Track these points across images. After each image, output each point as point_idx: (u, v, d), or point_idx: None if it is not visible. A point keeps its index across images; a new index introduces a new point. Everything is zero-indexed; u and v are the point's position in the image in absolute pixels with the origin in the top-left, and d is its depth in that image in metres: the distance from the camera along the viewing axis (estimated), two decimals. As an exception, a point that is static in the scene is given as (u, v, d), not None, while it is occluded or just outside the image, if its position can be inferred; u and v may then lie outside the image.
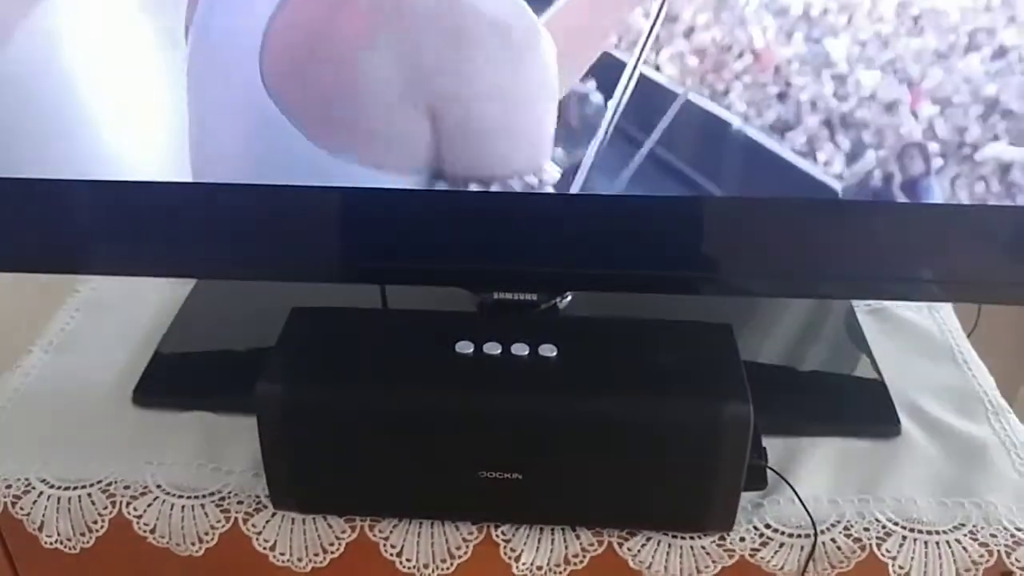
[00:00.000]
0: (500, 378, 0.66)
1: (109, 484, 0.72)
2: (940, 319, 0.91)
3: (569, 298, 0.85)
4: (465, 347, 0.67)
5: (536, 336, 0.68)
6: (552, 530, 0.71)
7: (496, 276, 0.80)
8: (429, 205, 0.75)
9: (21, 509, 0.72)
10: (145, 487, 0.72)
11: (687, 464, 0.65)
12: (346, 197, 0.75)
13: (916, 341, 0.89)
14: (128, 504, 0.71)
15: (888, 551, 0.69)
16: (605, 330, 0.71)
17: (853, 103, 0.68)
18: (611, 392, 0.65)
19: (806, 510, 0.70)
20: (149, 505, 0.71)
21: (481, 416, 0.65)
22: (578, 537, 0.71)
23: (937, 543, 0.69)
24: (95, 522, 0.72)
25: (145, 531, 0.71)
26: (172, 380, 0.83)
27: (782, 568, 0.70)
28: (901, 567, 0.69)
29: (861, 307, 0.93)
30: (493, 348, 0.67)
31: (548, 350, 0.67)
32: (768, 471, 0.72)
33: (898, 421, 0.78)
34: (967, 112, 0.68)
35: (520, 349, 0.67)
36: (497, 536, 0.71)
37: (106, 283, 0.94)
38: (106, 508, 0.72)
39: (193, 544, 0.72)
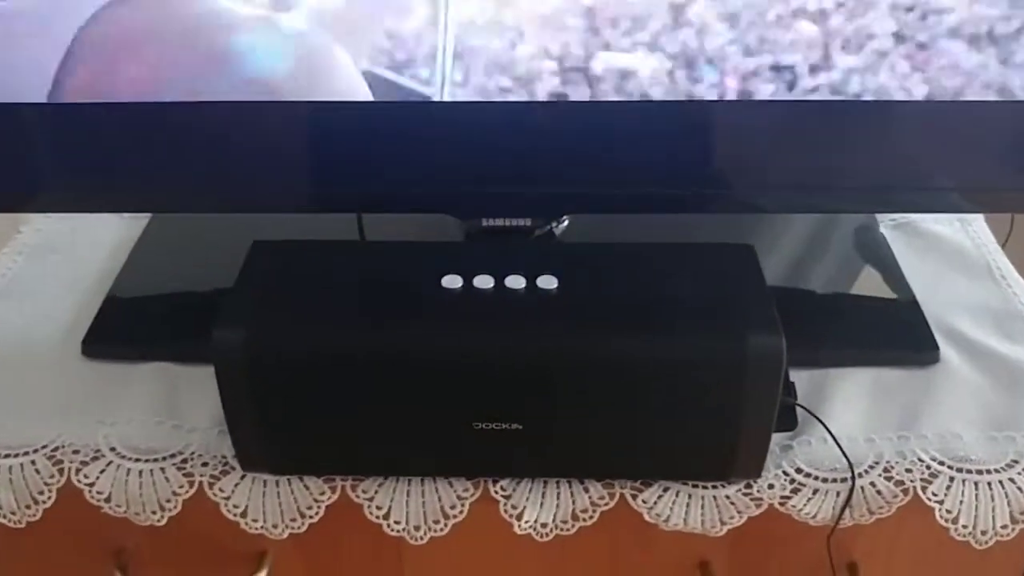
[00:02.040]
0: (494, 316, 0.57)
1: (55, 449, 0.64)
2: (973, 232, 0.83)
3: (566, 223, 0.76)
4: (453, 281, 0.59)
5: (533, 266, 0.59)
6: (557, 483, 0.63)
7: (485, 199, 0.72)
8: (408, 119, 0.66)
9: (-43, 480, 0.64)
10: (97, 450, 0.64)
11: (711, 406, 0.57)
12: (314, 112, 0.66)
13: (948, 257, 0.81)
14: (78, 471, 0.63)
15: (934, 494, 0.62)
16: (611, 257, 0.62)
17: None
18: (622, 327, 0.57)
19: (842, 451, 0.62)
20: (102, 471, 0.63)
21: (474, 360, 0.56)
22: (587, 490, 0.63)
23: (989, 483, 0.62)
24: (41, 492, 0.64)
25: (99, 500, 0.64)
26: (126, 327, 0.74)
27: (815, 516, 0.63)
28: (949, 511, 0.62)
29: (885, 222, 0.84)
30: (485, 282, 0.58)
31: (548, 282, 0.58)
32: (798, 409, 0.64)
33: (936, 347, 0.71)
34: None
35: (516, 282, 0.58)
36: (496, 492, 0.63)
37: (50, 222, 0.85)
38: (53, 476, 0.64)
39: (154, 513, 0.64)
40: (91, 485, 0.63)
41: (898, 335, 0.73)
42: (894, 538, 0.67)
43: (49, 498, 0.64)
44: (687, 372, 0.56)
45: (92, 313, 0.74)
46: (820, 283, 0.79)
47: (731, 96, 0.64)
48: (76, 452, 0.64)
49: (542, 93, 0.64)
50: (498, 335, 0.56)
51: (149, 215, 0.84)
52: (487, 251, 0.64)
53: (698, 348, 0.55)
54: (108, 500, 0.64)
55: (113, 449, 0.64)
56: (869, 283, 0.79)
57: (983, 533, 0.62)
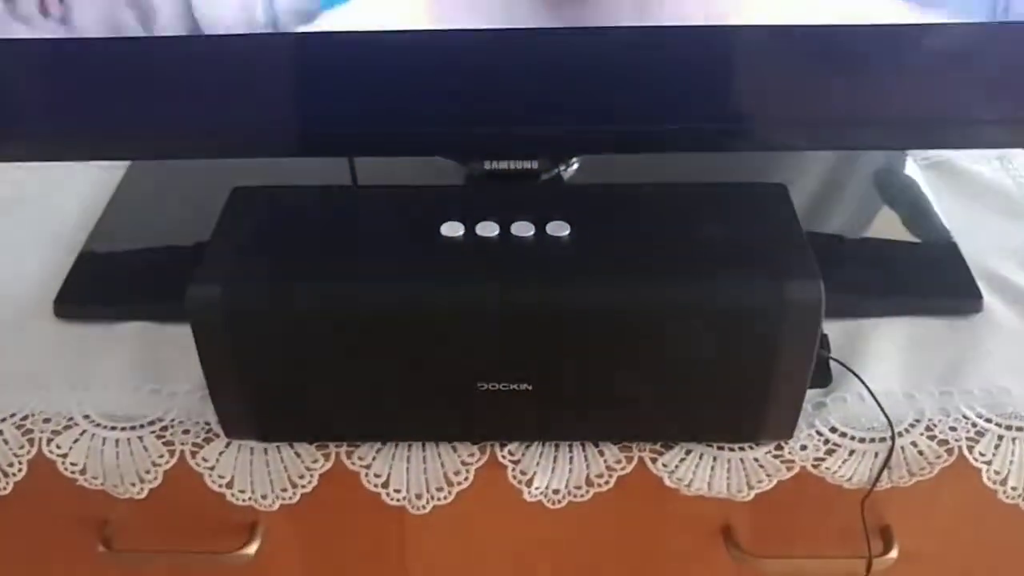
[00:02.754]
0: (500, 266, 0.52)
1: (24, 417, 0.59)
2: (1014, 170, 0.77)
3: (575, 166, 0.70)
4: (453, 229, 0.53)
5: (542, 211, 0.54)
6: (570, 447, 0.58)
7: (487, 139, 0.66)
8: (402, 51, 0.60)
9: (-80, 453, 0.59)
10: (69, 419, 0.59)
11: (742, 360, 0.52)
12: (300, 45, 0.60)
13: (988, 197, 0.75)
14: (49, 441, 0.59)
15: (981, 454, 0.57)
16: (628, 199, 0.56)
17: None
18: (642, 274, 0.51)
19: (881, 408, 0.57)
20: (76, 441, 0.59)
21: (477, 315, 0.51)
22: (602, 454, 0.58)
23: (1042, 442, 0.57)
24: (11, 465, 0.59)
25: (74, 472, 0.59)
26: (101, 285, 0.69)
27: (850, 479, 0.58)
28: (997, 472, 0.57)
29: (919, 160, 0.78)
30: (489, 229, 0.53)
31: (559, 228, 0.53)
32: (831, 363, 0.59)
33: (979, 294, 0.65)
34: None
35: (523, 229, 0.53)
36: (503, 457, 0.58)
37: (19, 173, 0.79)
38: (23, 447, 0.59)
39: (133, 485, 0.59)
40: (64, 456, 0.58)
41: (937, 282, 0.67)
42: (932, 499, 0.62)
43: (20, 470, 0.59)
44: (716, 322, 0.50)
45: (64, 270, 0.69)
46: (848, 227, 0.74)
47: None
48: (47, 421, 0.59)
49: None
50: (504, 287, 0.51)
51: (126, 163, 0.79)
52: (491, 195, 0.59)
53: (729, 296, 0.50)
54: (83, 472, 0.59)
55: (87, 417, 0.59)
56: (904, 227, 0.73)
57: (1034, 496, 0.58)
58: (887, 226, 0.74)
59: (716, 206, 0.55)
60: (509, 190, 0.64)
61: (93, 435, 0.58)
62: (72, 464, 0.58)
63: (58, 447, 0.58)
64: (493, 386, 0.53)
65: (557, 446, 0.58)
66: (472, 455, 0.58)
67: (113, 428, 0.59)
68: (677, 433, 0.57)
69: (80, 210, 0.75)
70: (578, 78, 0.62)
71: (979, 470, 0.57)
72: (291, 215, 0.56)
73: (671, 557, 0.67)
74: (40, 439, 0.58)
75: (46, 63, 0.62)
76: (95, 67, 0.62)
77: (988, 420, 0.58)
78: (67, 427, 0.59)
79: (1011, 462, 0.57)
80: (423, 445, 0.58)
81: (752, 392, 0.53)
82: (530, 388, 0.53)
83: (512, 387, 0.53)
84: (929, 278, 0.68)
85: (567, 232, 0.53)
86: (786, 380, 0.52)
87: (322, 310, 0.51)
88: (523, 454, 0.58)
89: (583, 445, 0.58)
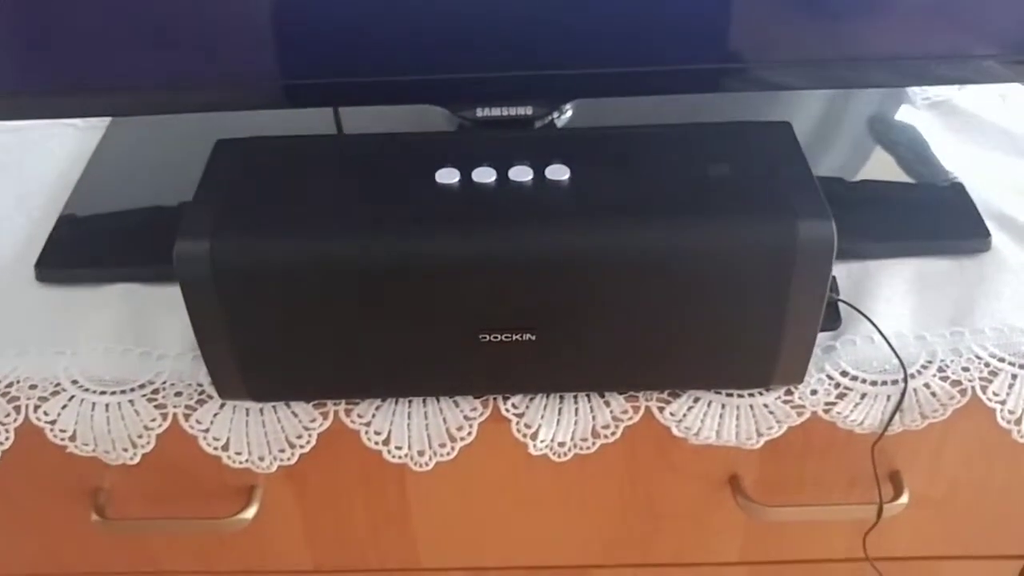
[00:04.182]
0: (498, 213, 0.50)
1: (10, 384, 0.57)
2: (1017, 107, 0.75)
3: (569, 112, 0.68)
4: (449, 175, 0.51)
5: (540, 156, 0.52)
6: (575, 398, 0.57)
7: (478, 85, 0.63)
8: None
9: (-97, 424, 0.57)
10: (57, 384, 0.57)
11: (752, 302, 0.50)
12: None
13: (991, 135, 0.74)
14: (36, 408, 0.56)
15: (995, 393, 0.56)
16: (629, 141, 0.54)
17: None
18: (649, 216, 0.49)
19: (893, 350, 0.56)
20: (64, 407, 0.57)
21: (477, 264, 0.49)
22: (608, 404, 0.57)
23: (1056, 379, 0.56)
24: (-3, 433, 0.57)
25: (63, 439, 0.57)
26: (84, 247, 0.66)
27: (862, 423, 0.57)
28: (1011, 412, 0.56)
29: (919, 99, 0.76)
30: (486, 175, 0.51)
31: (558, 172, 0.51)
32: (840, 306, 0.57)
33: (987, 233, 0.64)
34: None
35: (521, 173, 0.51)
36: (507, 410, 0.57)
37: (-6, 134, 0.76)
38: (8, 415, 0.57)
39: (126, 450, 0.57)
40: (52, 423, 0.56)
41: (944, 221, 0.65)
42: (942, 442, 0.61)
43: (7, 439, 0.57)
44: (726, 264, 0.49)
45: (45, 233, 0.66)
46: (850, 168, 0.72)
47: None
48: (33, 387, 0.57)
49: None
50: (504, 233, 0.49)
51: (105, 122, 0.76)
52: (486, 141, 0.57)
53: (740, 237, 0.48)
54: (73, 439, 0.57)
55: (75, 382, 0.57)
56: (906, 167, 0.71)
57: (1049, 434, 0.56)
58: (889, 166, 0.72)
59: (720, 146, 0.53)
60: (505, 135, 0.62)
61: (82, 400, 0.56)
62: (61, 431, 0.57)
63: (46, 414, 0.56)
64: (495, 337, 0.51)
65: (562, 398, 0.57)
66: (475, 409, 0.57)
67: (103, 392, 0.57)
68: (685, 381, 0.56)
69: (59, 171, 0.73)
70: (571, 18, 0.60)
71: (993, 410, 0.56)
72: (279, 166, 0.53)
73: (679, 507, 0.66)
74: (27, 406, 0.56)
75: (14, 14, 0.59)
76: (68, 18, 0.59)
77: (1001, 359, 0.56)
78: (54, 392, 0.57)
79: (1026, 400, 0.56)
80: (424, 400, 0.57)
81: (762, 336, 0.51)
82: (533, 338, 0.51)
83: (515, 337, 0.51)
84: (936, 217, 0.66)
85: (567, 176, 0.51)
86: (797, 323, 0.51)
87: (316, 262, 0.49)
88: (527, 407, 0.57)
89: (588, 396, 0.57)
